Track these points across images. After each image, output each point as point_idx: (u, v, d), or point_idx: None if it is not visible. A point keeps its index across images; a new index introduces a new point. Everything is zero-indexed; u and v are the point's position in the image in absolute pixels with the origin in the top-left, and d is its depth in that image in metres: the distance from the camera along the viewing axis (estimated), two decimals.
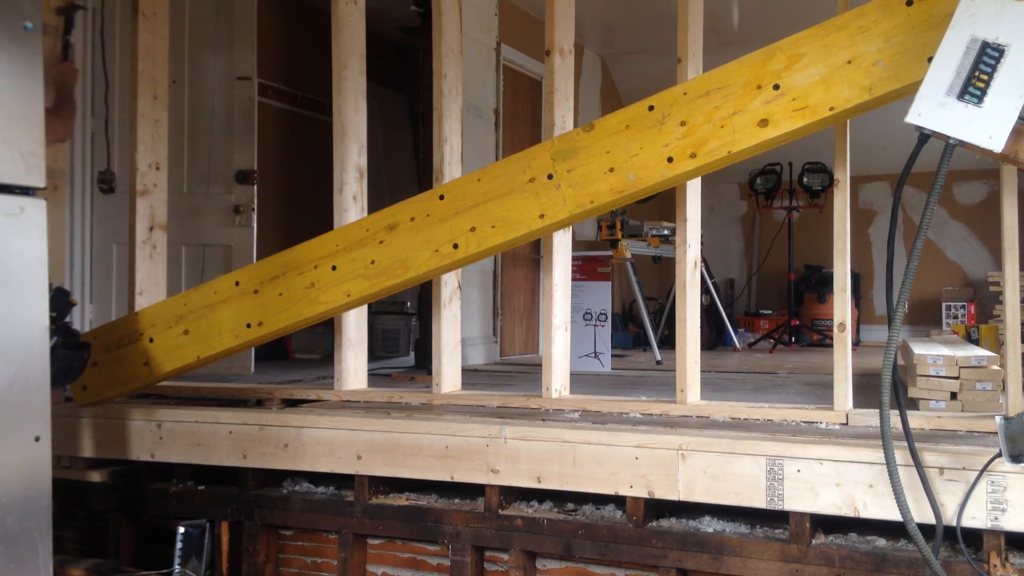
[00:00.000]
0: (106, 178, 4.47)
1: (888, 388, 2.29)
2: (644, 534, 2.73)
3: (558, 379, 3.33)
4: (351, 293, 3.10)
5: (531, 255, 6.55)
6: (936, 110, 2.19)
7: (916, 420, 2.68)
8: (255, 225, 4.67)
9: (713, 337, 7.20)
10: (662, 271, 8.66)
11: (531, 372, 4.96)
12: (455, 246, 2.96)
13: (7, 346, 1.64)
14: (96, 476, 3.54)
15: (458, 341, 3.58)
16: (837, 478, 2.48)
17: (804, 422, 2.91)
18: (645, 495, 2.72)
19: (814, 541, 2.56)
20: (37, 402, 1.68)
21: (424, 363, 4.59)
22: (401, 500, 3.13)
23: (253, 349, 4.43)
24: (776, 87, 2.54)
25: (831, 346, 2.97)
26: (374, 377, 4.17)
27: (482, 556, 3.03)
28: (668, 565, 2.70)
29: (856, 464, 2.46)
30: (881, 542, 2.55)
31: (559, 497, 2.97)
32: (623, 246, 6.11)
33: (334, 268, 3.12)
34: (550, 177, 2.82)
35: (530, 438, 2.88)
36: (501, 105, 6.04)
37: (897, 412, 2.40)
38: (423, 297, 4.94)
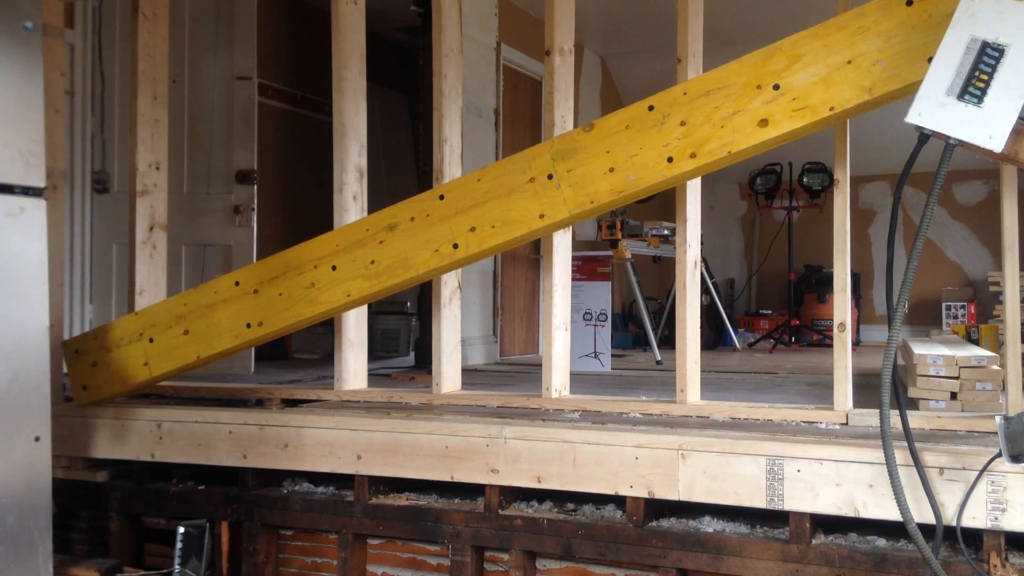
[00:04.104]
0: (100, 178, 4.47)
1: (888, 388, 2.29)
2: (644, 534, 2.73)
3: (558, 379, 3.33)
4: (351, 293, 3.10)
5: (531, 255, 6.55)
6: (936, 110, 2.19)
7: (916, 420, 2.68)
8: (255, 225, 4.68)
9: (713, 337, 7.19)
10: (662, 271, 8.66)
11: (531, 372, 4.96)
12: (455, 246, 2.95)
13: (7, 346, 1.63)
14: (96, 476, 3.55)
15: (458, 341, 3.58)
16: (837, 478, 2.48)
17: (804, 422, 2.91)
18: (645, 495, 2.72)
19: (814, 541, 2.56)
20: (37, 402, 1.68)
21: (424, 363, 4.59)
22: (401, 500, 3.13)
23: (253, 349, 4.43)
24: (776, 87, 2.54)
25: (831, 346, 2.96)
26: (374, 377, 4.17)
27: (482, 556, 3.03)
28: (668, 565, 2.70)
29: (856, 464, 2.46)
30: (881, 542, 2.55)
31: (559, 497, 2.97)
32: (623, 246, 6.11)
33: (334, 268, 3.12)
34: (550, 177, 2.82)
35: (530, 438, 2.88)
36: (501, 105, 6.04)
37: (897, 412, 2.40)
38: (423, 297, 4.94)
